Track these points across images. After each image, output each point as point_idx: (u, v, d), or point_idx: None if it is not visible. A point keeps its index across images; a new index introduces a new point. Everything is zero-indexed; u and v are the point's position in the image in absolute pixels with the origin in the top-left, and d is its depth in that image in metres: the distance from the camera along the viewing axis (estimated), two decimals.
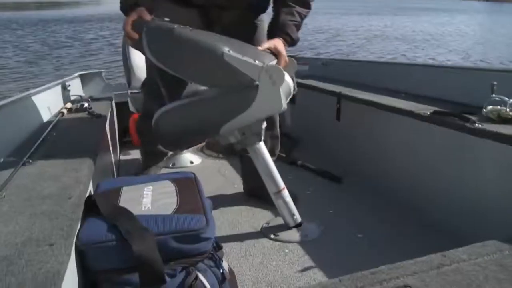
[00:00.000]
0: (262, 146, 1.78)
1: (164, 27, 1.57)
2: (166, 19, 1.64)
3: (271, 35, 1.77)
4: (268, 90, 1.54)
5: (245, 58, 1.51)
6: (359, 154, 2.42)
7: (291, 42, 1.76)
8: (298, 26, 1.78)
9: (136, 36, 1.61)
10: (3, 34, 16.87)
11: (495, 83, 1.69)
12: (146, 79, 2.18)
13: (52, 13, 30.13)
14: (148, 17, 1.64)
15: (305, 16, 1.81)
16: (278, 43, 1.71)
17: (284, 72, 1.57)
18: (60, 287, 0.79)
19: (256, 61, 1.52)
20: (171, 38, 1.54)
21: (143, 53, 1.63)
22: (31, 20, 22.73)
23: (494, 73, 1.89)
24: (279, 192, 1.81)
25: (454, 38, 17.12)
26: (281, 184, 1.81)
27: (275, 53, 1.66)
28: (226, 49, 1.50)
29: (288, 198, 1.83)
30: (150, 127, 2.20)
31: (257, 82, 1.53)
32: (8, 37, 15.85)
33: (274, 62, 1.62)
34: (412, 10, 39.51)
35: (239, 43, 1.61)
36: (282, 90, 1.57)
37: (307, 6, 1.82)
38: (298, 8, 1.78)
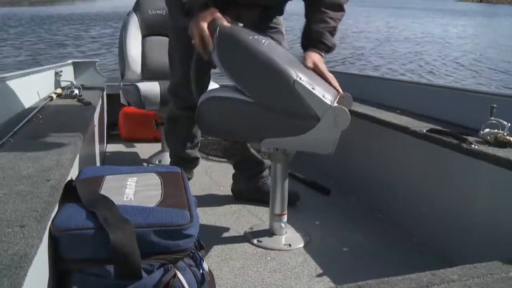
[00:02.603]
0: (285, 166, 1.76)
1: (239, 36, 1.53)
2: (240, 24, 1.58)
3: (305, 45, 1.73)
4: (327, 130, 1.49)
5: (315, 92, 1.47)
6: (350, 167, 2.39)
7: (327, 50, 1.71)
8: (332, 32, 1.73)
9: (210, 38, 1.53)
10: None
11: (494, 105, 1.67)
12: (172, 83, 2.13)
13: (46, 10, 29.82)
14: (222, 19, 1.56)
15: (340, 19, 1.75)
16: (315, 57, 1.65)
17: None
18: (26, 271, 0.73)
19: (325, 98, 1.47)
20: (244, 49, 1.51)
21: (209, 56, 1.57)
22: (25, 17, 22.44)
23: (493, 97, 1.87)
24: (280, 215, 1.80)
25: (455, 40, 17.18)
26: (285, 208, 1.80)
27: (317, 73, 1.62)
28: (298, 77, 1.46)
29: (284, 224, 1.82)
30: (176, 132, 2.20)
31: (320, 118, 1.47)
32: (4, 35, 15.50)
33: (337, 96, 1.57)
34: (409, 10, 39.86)
35: (308, 71, 1.57)
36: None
37: (340, 9, 1.76)
38: (331, 13, 1.72)
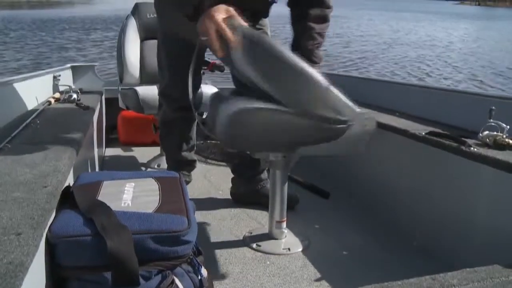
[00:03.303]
0: (285, 173, 1.76)
1: (267, 39, 1.48)
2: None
3: None
4: (358, 133, 1.53)
5: (345, 100, 1.49)
6: (349, 170, 2.38)
7: (315, 65, 1.73)
8: (319, 46, 1.76)
9: (232, 34, 1.42)
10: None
11: (493, 108, 1.66)
12: (162, 86, 2.15)
13: (46, 13, 29.82)
14: (241, 20, 1.46)
15: (325, 31, 1.77)
16: None
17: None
18: (22, 280, 0.72)
19: (352, 105, 1.51)
20: (276, 54, 1.45)
21: (227, 61, 1.53)
22: (25, 20, 22.45)
23: (492, 99, 1.87)
24: (280, 222, 1.80)
25: (454, 43, 17.31)
26: (285, 215, 1.80)
27: None
28: (329, 84, 1.46)
29: (285, 230, 1.81)
30: (171, 134, 2.20)
31: (350, 123, 1.49)
32: (6, 38, 15.47)
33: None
34: (409, 13, 40.15)
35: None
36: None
37: (326, 20, 1.77)
38: (317, 28, 1.73)
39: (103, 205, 1.07)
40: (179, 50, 1.98)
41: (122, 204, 1.11)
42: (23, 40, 14.80)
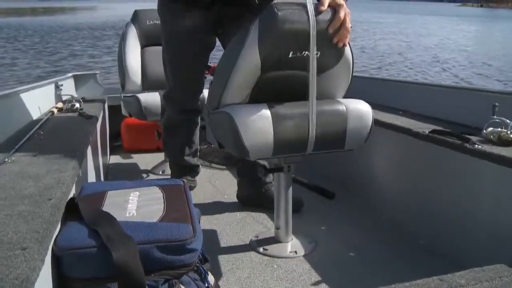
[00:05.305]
0: (289, 177, 1.76)
1: None
2: None
3: None
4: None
5: None
6: (354, 170, 2.37)
7: None
8: None
9: None
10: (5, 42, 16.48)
11: (496, 104, 1.65)
12: (167, 89, 2.17)
13: (53, 20, 29.99)
14: None
15: None
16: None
17: None
18: None
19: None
20: None
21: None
22: (33, 27, 22.62)
23: (494, 95, 1.86)
24: (286, 225, 1.79)
25: (459, 42, 17.41)
26: (290, 218, 1.78)
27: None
28: None
29: (291, 232, 1.81)
30: (174, 138, 2.21)
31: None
32: (19, 45, 15.58)
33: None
34: (414, 16, 40.24)
35: None
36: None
37: None
38: None
39: (108, 216, 1.08)
40: (182, 53, 2.00)
41: (127, 214, 1.12)
42: (36, 47, 14.88)
